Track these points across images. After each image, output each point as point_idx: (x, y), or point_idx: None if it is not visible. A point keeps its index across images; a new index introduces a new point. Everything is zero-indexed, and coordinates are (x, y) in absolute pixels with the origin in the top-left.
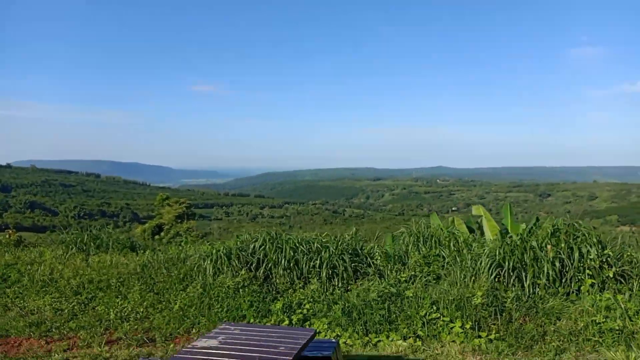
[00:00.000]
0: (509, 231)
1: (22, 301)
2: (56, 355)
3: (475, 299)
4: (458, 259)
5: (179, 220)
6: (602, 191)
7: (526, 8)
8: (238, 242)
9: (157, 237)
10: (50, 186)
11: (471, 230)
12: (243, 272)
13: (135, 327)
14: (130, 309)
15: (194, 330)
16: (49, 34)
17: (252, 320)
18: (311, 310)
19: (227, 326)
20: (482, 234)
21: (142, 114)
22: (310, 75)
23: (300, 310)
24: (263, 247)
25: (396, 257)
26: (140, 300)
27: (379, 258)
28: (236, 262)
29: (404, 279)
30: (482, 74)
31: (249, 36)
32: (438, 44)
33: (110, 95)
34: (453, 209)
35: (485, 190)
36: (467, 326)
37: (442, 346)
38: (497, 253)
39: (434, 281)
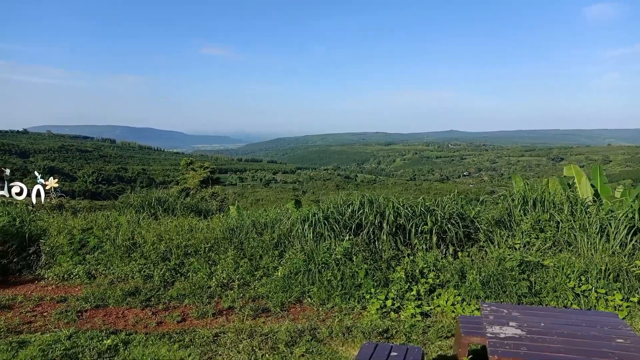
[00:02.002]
0: (600, 194)
1: (105, 268)
2: (184, 328)
3: (635, 269)
4: (575, 224)
5: (204, 185)
6: (616, 155)
7: None
8: (331, 205)
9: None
10: (67, 152)
11: None
12: (348, 237)
13: (241, 295)
14: (225, 276)
15: (306, 300)
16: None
17: (372, 290)
18: (437, 280)
19: (494, 307)
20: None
21: (154, 80)
22: (322, 38)
23: (424, 280)
24: (361, 210)
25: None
26: (234, 266)
27: (486, 223)
28: (337, 226)
29: (518, 245)
30: (495, 37)
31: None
32: (451, 9)
33: (123, 61)
34: (464, 173)
35: (497, 155)
36: (635, 299)
37: None
38: (636, 217)
39: (551, 248)
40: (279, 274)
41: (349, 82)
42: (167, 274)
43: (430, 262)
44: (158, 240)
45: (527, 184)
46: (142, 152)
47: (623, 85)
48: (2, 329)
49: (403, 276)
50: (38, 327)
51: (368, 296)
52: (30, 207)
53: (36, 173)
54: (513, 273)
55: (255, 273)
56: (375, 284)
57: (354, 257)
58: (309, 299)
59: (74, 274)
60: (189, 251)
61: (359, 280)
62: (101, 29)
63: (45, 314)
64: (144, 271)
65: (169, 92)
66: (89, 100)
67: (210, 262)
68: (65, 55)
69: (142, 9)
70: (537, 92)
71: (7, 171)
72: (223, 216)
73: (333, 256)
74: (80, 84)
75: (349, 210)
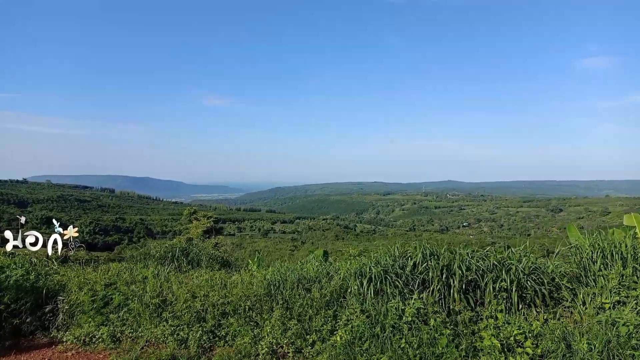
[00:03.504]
0: None
1: (132, 330)
2: None
3: None
4: None
5: (207, 236)
6: (614, 206)
7: (534, 18)
8: (387, 258)
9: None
10: (65, 201)
11: None
12: (417, 295)
13: None
14: (272, 341)
15: None
16: (65, 53)
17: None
18: (537, 349)
19: None
20: None
21: (154, 129)
22: (319, 89)
23: (521, 349)
24: (424, 264)
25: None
26: (281, 328)
27: (567, 279)
28: (399, 282)
29: (607, 305)
30: (491, 87)
31: (257, 51)
32: (446, 58)
33: (123, 111)
34: (464, 224)
35: (495, 205)
36: None
37: None
38: None
39: None
40: (338, 338)
41: (348, 132)
42: (204, 337)
43: (524, 326)
44: (191, 297)
45: (584, 233)
46: (141, 202)
47: (618, 137)
48: None
49: (497, 344)
50: None
51: None
52: (45, 259)
53: (54, 221)
54: (632, 341)
55: (307, 337)
56: (461, 353)
57: (431, 319)
58: None
59: (97, 336)
60: (227, 310)
61: (440, 349)
62: (101, 78)
63: None
64: (177, 334)
65: (169, 142)
66: (89, 150)
67: (252, 324)
68: (66, 105)
69: (140, 59)
70: (533, 143)
71: (23, 219)
72: (254, 270)
73: (403, 318)
74: (80, 133)
75: (410, 263)
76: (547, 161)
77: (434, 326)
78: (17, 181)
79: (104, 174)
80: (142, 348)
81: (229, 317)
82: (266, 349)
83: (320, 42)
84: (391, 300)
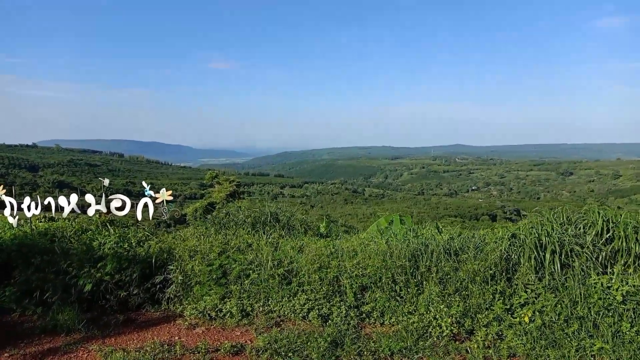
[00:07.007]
0: None
1: (260, 303)
2: None
3: None
4: None
5: (230, 200)
6: (626, 169)
7: None
8: (556, 225)
9: (208, 216)
10: (76, 165)
11: None
12: (619, 268)
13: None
14: (434, 319)
15: None
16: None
17: None
18: None
19: None
20: None
21: (161, 93)
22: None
23: None
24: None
25: None
26: (441, 305)
27: None
28: (588, 254)
29: None
30: (502, 51)
31: (266, 13)
32: (458, 19)
33: (130, 75)
34: (473, 187)
35: (505, 169)
36: None
37: None
38: None
39: None
40: (527, 319)
41: (356, 96)
42: (350, 313)
43: None
44: (318, 267)
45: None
46: (150, 166)
47: (631, 99)
48: None
49: None
50: None
51: None
52: (136, 226)
53: (144, 184)
54: None
55: (477, 317)
56: None
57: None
58: (590, 359)
59: (224, 311)
60: (365, 283)
61: None
62: (109, 44)
63: None
64: (317, 309)
65: (176, 106)
66: (97, 115)
67: (398, 299)
68: (73, 70)
69: (146, 24)
70: (544, 106)
71: (106, 181)
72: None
73: (615, 298)
74: (88, 98)
75: (592, 232)
76: (558, 124)
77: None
78: (27, 146)
79: (112, 138)
80: (278, 324)
81: (370, 291)
82: (437, 328)
83: (332, 1)
84: (590, 277)
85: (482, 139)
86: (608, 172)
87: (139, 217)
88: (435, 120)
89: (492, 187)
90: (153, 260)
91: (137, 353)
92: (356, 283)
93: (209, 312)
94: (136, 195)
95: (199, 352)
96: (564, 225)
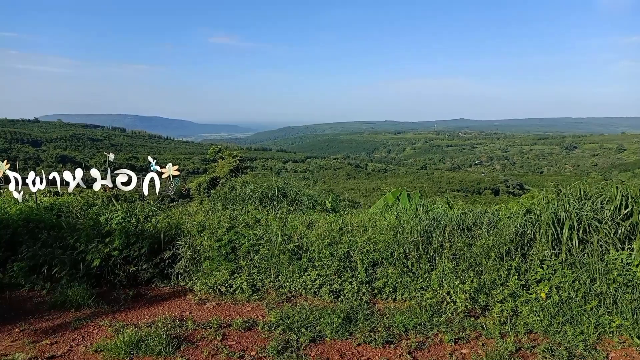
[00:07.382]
0: None
1: (270, 279)
2: None
3: None
4: None
5: (234, 174)
6: (630, 143)
7: None
8: (572, 200)
9: (213, 191)
10: (78, 140)
11: None
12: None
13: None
14: (445, 295)
15: (616, 339)
16: None
17: None
18: None
19: None
20: None
21: (162, 68)
22: (332, 28)
23: None
24: (628, 208)
25: None
26: (455, 280)
27: None
28: (607, 230)
29: None
30: (506, 25)
31: None
32: None
33: (131, 51)
34: (476, 162)
35: (509, 143)
36: None
37: None
38: None
39: None
40: (543, 295)
41: (358, 71)
42: (362, 289)
43: None
44: (328, 242)
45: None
46: (153, 141)
47: (637, 73)
48: None
49: None
50: None
51: None
52: (140, 201)
53: (150, 158)
54: None
55: (492, 292)
56: None
57: None
58: (610, 336)
59: (234, 286)
60: (376, 259)
61: None
62: (109, 20)
63: (253, 353)
64: (329, 285)
65: (177, 81)
66: (98, 89)
67: (410, 274)
68: (74, 45)
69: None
70: (549, 80)
71: (111, 156)
72: (376, 212)
73: (636, 274)
74: (89, 73)
75: (610, 207)
76: (563, 99)
77: None
78: (29, 120)
79: (114, 112)
80: (289, 300)
81: (382, 267)
82: (452, 304)
83: None
84: (609, 253)
85: (486, 114)
86: (612, 146)
87: (146, 192)
88: (439, 96)
89: (495, 161)
90: (161, 236)
91: (149, 328)
92: (367, 259)
93: (219, 287)
94: (139, 170)
95: (211, 327)
96: (581, 200)
